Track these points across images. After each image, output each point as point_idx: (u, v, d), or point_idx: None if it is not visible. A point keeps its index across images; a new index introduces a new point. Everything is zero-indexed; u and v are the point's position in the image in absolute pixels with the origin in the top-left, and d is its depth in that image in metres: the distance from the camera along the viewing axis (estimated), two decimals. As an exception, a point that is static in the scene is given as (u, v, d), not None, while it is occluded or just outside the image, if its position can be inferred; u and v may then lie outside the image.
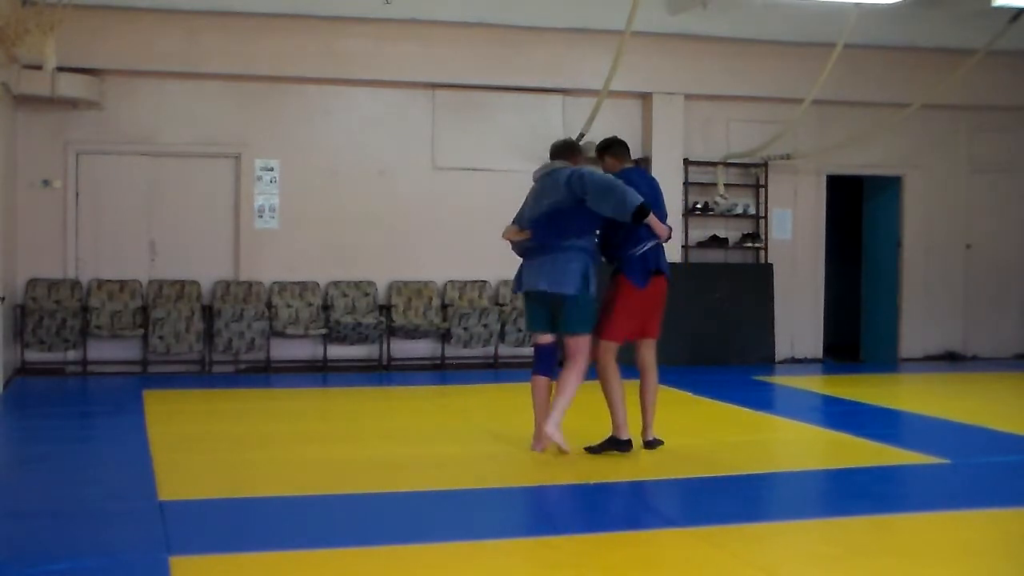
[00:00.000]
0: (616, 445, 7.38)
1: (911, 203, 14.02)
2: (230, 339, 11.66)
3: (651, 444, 7.57)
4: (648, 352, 7.60)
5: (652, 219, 7.14)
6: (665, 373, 11.69)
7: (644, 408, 7.55)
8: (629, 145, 7.82)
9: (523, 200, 7.57)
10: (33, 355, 11.47)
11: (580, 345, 7.23)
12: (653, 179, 7.76)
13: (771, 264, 13.46)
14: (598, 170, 7.42)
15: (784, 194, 13.60)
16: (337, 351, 12.20)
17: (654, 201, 7.30)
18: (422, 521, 5.84)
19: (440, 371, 12.36)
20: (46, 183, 11.65)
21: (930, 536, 5.67)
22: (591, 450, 7.39)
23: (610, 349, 7.38)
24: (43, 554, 5.09)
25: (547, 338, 7.43)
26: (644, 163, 12.95)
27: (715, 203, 13.25)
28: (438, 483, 6.71)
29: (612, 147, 7.65)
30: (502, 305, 12.49)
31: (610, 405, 7.38)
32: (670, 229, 7.38)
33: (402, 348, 12.41)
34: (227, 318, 11.65)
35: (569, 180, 7.16)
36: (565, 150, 7.54)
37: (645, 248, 7.31)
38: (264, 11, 11.71)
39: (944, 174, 14.09)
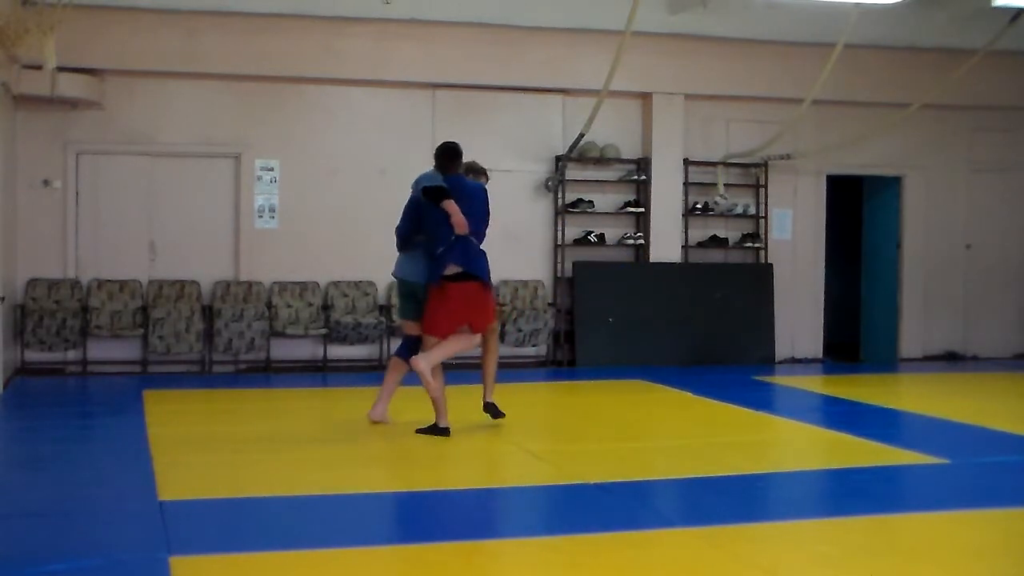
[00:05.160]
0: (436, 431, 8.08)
1: (911, 203, 14.02)
2: (230, 339, 11.66)
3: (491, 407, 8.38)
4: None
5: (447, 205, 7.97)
6: (665, 373, 11.85)
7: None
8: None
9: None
10: (33, 355, 11.47)
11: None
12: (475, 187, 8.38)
13: (771, 264, 13.45)
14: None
15: (784, 194, 13.60)
16: (337, 351, 12.19)
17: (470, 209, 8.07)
18: (422, 521, 5.85)
19: (440, 371, 12.32)
20: (46, 183, 11.65)
21: (930, 536, 5.68)
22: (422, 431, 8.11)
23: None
24: (43, 554, 5.09)
25: None
26: (644, 163, 12.99)
27: (715, 203, 13.25)
28: (438, 483, 6.71)
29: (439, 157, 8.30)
30: (502, 305, 12.48)
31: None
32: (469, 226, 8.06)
33: (402, 348, 12.38)
34: (227, 318, 11.65)
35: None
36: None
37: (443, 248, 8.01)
38: (264, 11, 11.71)
39: (944, 174, 14.09)
